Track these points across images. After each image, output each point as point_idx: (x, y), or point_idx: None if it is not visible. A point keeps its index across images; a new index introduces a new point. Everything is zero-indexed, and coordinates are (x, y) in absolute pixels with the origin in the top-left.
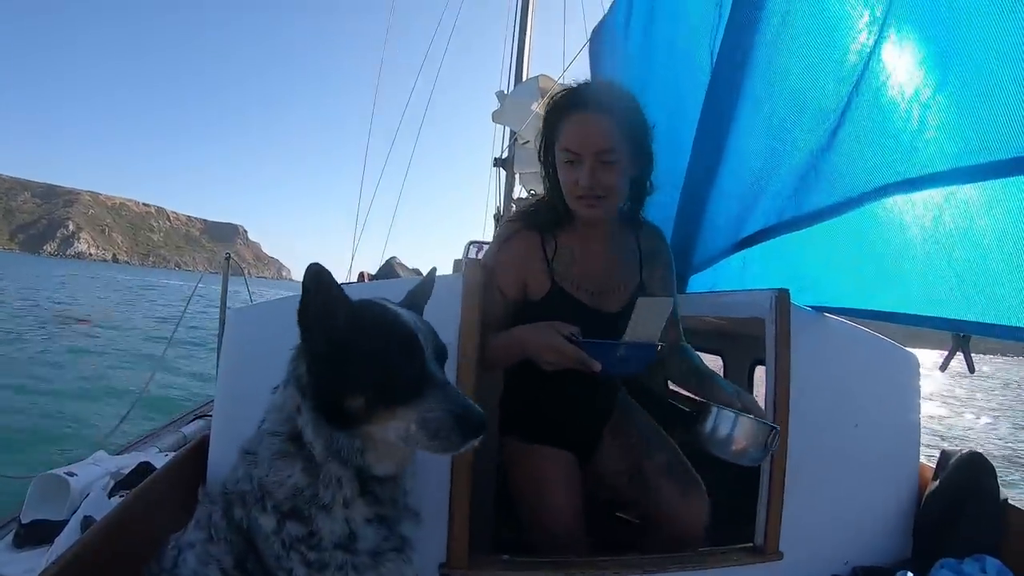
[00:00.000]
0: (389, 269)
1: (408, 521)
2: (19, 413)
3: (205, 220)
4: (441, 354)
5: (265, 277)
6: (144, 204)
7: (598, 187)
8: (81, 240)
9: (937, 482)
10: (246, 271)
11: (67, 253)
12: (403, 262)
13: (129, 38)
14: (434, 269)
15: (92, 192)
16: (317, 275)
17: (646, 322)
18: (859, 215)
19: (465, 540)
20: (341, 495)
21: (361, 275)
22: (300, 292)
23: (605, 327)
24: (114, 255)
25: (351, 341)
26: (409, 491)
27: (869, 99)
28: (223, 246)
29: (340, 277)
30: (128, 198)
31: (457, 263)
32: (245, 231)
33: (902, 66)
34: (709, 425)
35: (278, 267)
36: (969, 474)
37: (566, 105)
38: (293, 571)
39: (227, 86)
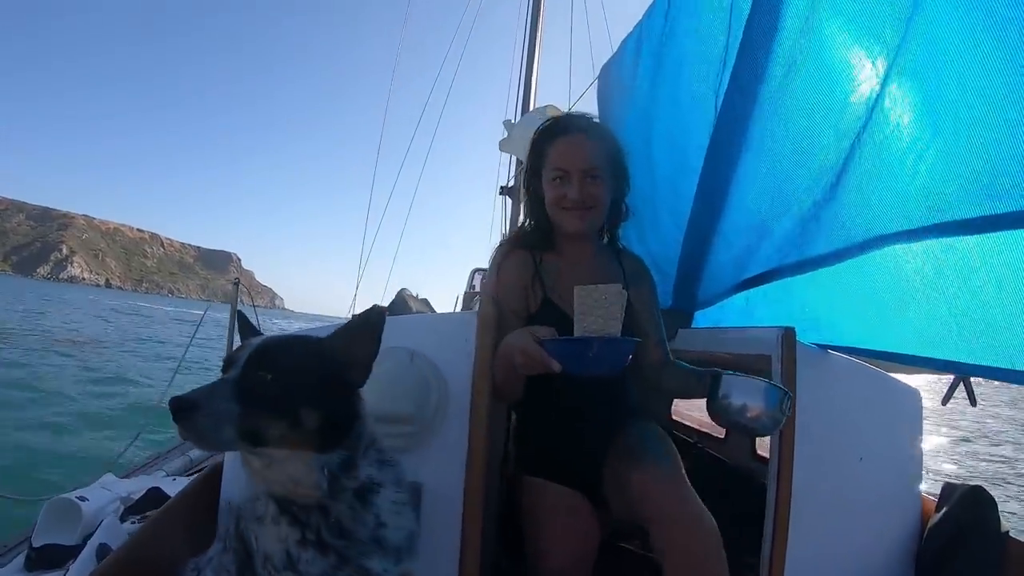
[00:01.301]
0: (401, 302)
1: (378, 556)
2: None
3: (199, 247)
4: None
5: (259, 306)
6: (138, 229)
7: (587, 199)
8: (74, 264)
9: (940, 515)
10: (242, 299)
11: (60, 277)
12: (412, 292)
13: (127, 63)
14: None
15: (87, 216)
16: None
17: (594, 313)
18: (863, 262)
19: None
20: (266, 509)
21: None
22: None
23: None
24: (107, 280)
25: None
26: (386, 523)
27: (871, 150)
28: (216, 273)
29: (343, 309)
30: (122, 223)
31: (467, 296)
32: (239, 259)
33: (904, 118)
34: (720, 392)
35: (271, 296)
36: (971, 507)
37: (553, 131)
38: None
39: (224, 111)
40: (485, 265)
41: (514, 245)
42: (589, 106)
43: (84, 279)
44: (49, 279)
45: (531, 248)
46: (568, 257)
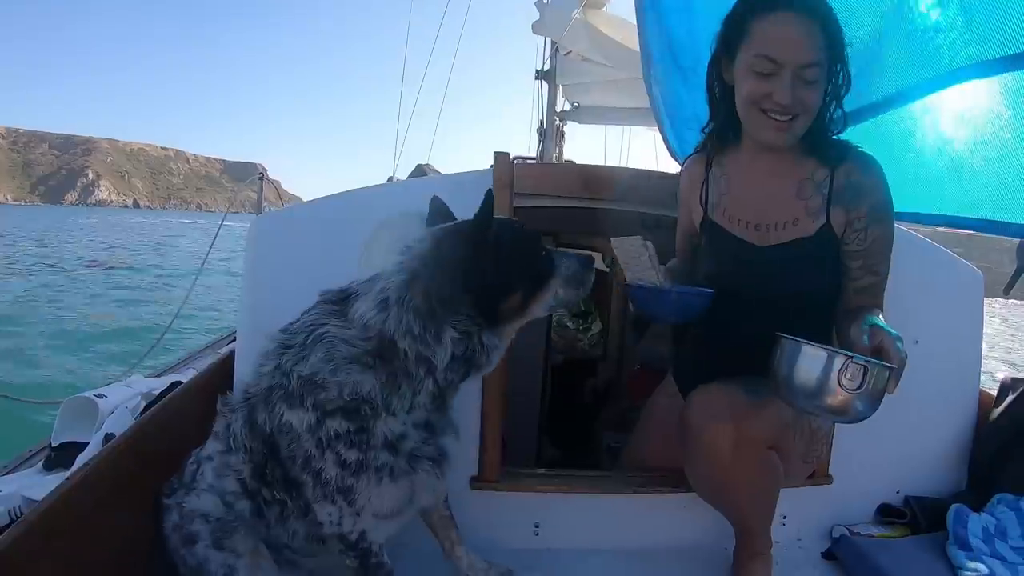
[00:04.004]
0: (420, 175)
1: (450, 435)
2: None
3: (224, 160)
4: None
5: None
6: (162, 148)
7: (798, 105)
8: (101, 188)
9: (998, 411)
10: (267, 208)
11: (88, 202)
12: (436, 168)
13: None
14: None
15: (110, 139)
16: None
17: (636, 263)
18: (922, 112)
19: (497, 455)
20: (409, 402)
21: (390, 180)
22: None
23: (764, 262)
24: (135, 200)
25: (506, 255)
26: (451, 405)
27: None
28: (243, 185)
29: None
30: (146, 143)
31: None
32: (264, 169)
33: None
34: (775, 363)
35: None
36: None
37: (764, 1)
38: (323, 472)
39: (235, 13)
40: (523, 152)
41: (700, 149)
42: None
43: (112, 201)
44: (77, 205)
45: (710, 153)
46: (749, 166)
